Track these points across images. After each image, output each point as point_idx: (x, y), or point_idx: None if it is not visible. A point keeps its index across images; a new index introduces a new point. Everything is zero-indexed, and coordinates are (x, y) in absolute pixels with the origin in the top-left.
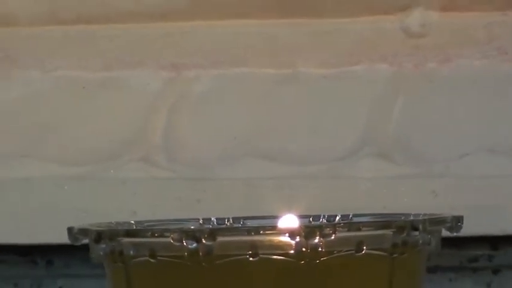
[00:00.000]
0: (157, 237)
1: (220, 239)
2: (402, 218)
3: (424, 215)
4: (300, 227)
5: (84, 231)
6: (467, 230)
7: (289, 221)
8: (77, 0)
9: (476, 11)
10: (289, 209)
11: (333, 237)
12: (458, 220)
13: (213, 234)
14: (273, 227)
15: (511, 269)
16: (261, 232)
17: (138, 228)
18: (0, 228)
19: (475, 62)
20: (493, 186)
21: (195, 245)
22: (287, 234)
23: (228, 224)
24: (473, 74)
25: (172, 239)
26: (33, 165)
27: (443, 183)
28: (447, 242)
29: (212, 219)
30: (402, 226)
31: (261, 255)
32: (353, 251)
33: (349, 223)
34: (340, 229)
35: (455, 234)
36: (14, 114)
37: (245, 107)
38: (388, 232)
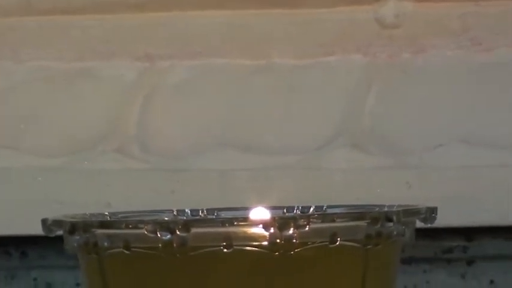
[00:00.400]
0: (131, 228)
1: (194, 230)
2: (376, 209)
3: (398, 206)
4: (274, 218)
5: (58, 223)
6: (442, 221)
7: (263, 212)
8: None
9: (450, 1)
10: (263, 201)
11: (307, 229)
12: (432, 211)
13: (187, 225)
14: (247, 219)
15: (485, 260)
16: (235, 223)
17: (112, 219)
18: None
19: (448, 53)
20: (467, 177)
21: (169, 236)
22: (261, 226)
23: (202, 215)
24: (447, 64)
25: (147, 231)
26: (7, 155)
27: (417, 174)
28: (421, 233)
29: (186, 210)
30: (376, 217)
31: (235, 247)
32: (327, 243)
33: (323, 214)
34: (314, 220)
35: (429, 225)
36: None
37: (219, 97)
38: (362, 223)
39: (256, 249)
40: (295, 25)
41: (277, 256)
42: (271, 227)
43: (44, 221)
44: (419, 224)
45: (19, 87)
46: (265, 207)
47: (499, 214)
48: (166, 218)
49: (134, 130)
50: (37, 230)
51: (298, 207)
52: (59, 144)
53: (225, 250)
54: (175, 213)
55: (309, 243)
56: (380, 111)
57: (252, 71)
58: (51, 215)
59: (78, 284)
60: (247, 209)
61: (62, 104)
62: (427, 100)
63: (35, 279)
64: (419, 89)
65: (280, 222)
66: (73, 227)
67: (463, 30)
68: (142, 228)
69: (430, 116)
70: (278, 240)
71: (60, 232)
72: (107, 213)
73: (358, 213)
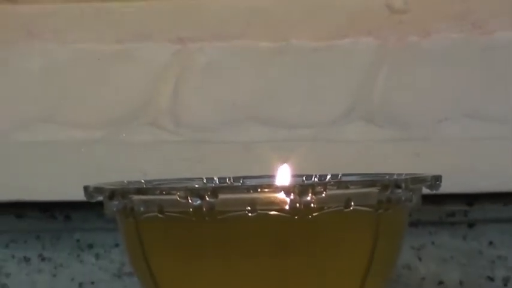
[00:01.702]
0: (165, 194)
1: (221, 196)
2: (386, 177)
3: (407, 174)
4: (294, 185)
5: (98, 190)
6: (445, 188)
7: (284, 179)
8: None
9: None
10: (284, 169)
11: (323, 195)
12: (437, 179)
13: (215, 192)
14: (270, 186)
15: (485, 223)
16: (259, 190)
17: (148, 186)
18: (23, 186)
19: (452, 35)
20: (469, 148)
21: (199, 201)
22: (282, 192)
23: (228, 182)
24: (451, 46)
25: (179, 197)
26: (53, 129)
27: (424, 145)
28: (427, 198)
29: (214, 178)
30: (386, 184)
31: (258, 211)
32: (342, 207)
33: (338, 182)
34: (330, 187)
35: (434, 191)
36: (36, 83)
37: (244, 76)
38: (374, 190)
39: (277, 213)
40: (312, 10)
41: (297, 220)
42: (292, 193)
43: (85, 188)
44: (425, 191)
45: (63, 67)
46: (286, 175)
47: (498, 181)
48: (196, 185)
49: (167, 105)
50: (80, 196)
51: (315, 175)
52: (99, 119)
53: (249, 214)
54: (204, 181)
55: (325, 208)
56: (390, 88)
57: (273, 52)
58: (93, 182)
59: (117, 245)
60: (269, 177)
61: (102, 82)
62: (433, 78)
63: (77, 240)
64: (425, 68)
65: (299, 189)
66: (112, 194)
67: (465, 15)
68: (175, 194)
69: (436, 93)
70: (298, 205)
71: (100, 198)
72: (142, 181)
73: (370, 180)
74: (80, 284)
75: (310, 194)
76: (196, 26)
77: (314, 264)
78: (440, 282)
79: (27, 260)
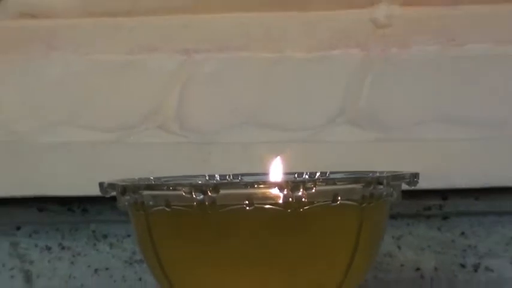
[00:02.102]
0: (171, 190)
1: (222, 191)
2: (370, 175)
3: (388, 172)
4: (287, 182)
5: (112, 186)
6: (422, 184)
7: (278, 177)
8: None
9: (429, 6)
10: (279, 168)
11: (313, 190)
12: (414, 176)
13: (216, 187)
14: (266, 182)
15: (458, 216)
16: (256, 186)
17: (156, 183)
18: (45, 183)
19: (429, 47)
20: (443, 148)
21: (202, 196)
22: (277, 188)
23: (228, 179)
24: (428, 57)
25: (184, 192)
26: (71, 132)
27: (403, 146)
28: (406, 194)
29: (216, 175)
30: (369, 181)
31: (255, 205)
32: (330, 202)
33: (326, 179)
34: (320, 184)
35: (412, 187)
36: (56, 91)
37: (244, 84)
38: (358, 186)
39: (272, 206)
40: (305, 25)
41: (289, 213)
42: (285, 189)
43: (101, 184)
44: (404, 187)
45: (80, 76)
46: (280, 173)
47: (469, 178)
48: (199, 182)
49: (174, 111)
50: (95, 191)
51: (306, 173)
52: (112, 123)
53: (247, 208)
54: (207, 178)
55: (315, 202)
56: (373, 95)
57: (269, 62)
58: (107, 179)
59: (129, 235)
60: (265, 174)
61: (114, 89)
62: (411, 86)
63: (93, 231)
64: (405, 77)
65: (292, 185)
66: (124, 189)
67: (440, 30)
68: (180, 190)
69: (414, 99)
70: (290, 200)
71: (113, 193)
72: (151, 178)
73: (355, 178)
74: (96, 270)
75: (301, 190)
76: (200, 38)
77: (304, 252)
78: (418, 269)
79: (48, 248)
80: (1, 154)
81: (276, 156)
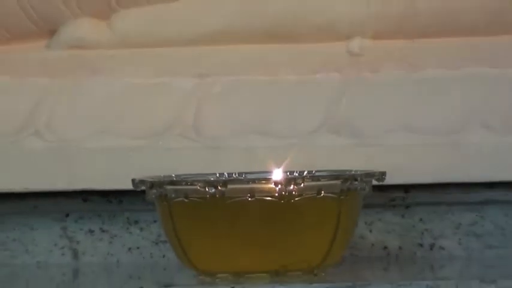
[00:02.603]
0: (189, 185)
1: (229, 186)
2: (347, 173)
3: (361, 171)
4: (281, 178)
5: (142, 181)
6: (389, 180)
7: (274, 174)
8: (139, 32)
9: (393, 39)
10: (275, 167)
11: (302, 185)
12: (382, 174)
13: (225, 183)
14: (264, 179)
15: (417, 205)
16: (256, 182)
17: (177, 179)
18: (89, 179)
19: (394, 72)
20: (405, 151)
21: (213, 190)
22: (273, 183)
23: (234, 176)
24: (393, 79)
25: (199, 187)
26: (110, 138)
27: (374, 149)
28: (375, 188)
29: (224, 173)
30: (347, 178)
31: (256, 197)
32: (315, 194)
33: (312, 176)
34: (307, 180)
35: (380, 183)
36: (98, 106)
37: (246, 100)
38: (338, 182)
39: (269, 198)
40: (294, 54)
41: (283, 203)
42: (279, 184)
43: (133, 180)
44: (374, 182)
45: (117, 94)
46: (276, 171)
47: (426, 176)
48: (211, 179)
49: (191, 122)
50: (129, 185)
51: (296, 171)
52: (143, 131)
53: (249, 199)
54: (217, 175)
55: (303, 194)
56: (349, 110)
57: (266, 83)
58: (138, 176)
59: (155, 221)
60: (264, 172)
61: (144, 105)
62: (380, 102)
63: (127, 217)
64: (375, 95)
65: (285, 181)
66: (152, 184)
67: (403, 57)
68: (196, 185)
69: (382, 113)
70: (283, 193)
71: (143, 187)
72: (173, 175)
73: (335, 175)
74: (129, 249)
75: (292, 185)
76: (211, 65)
77: (295, 234)
78: (385, 247)
79: (91, 231)
80: (55, 156)
81: (273, 158)
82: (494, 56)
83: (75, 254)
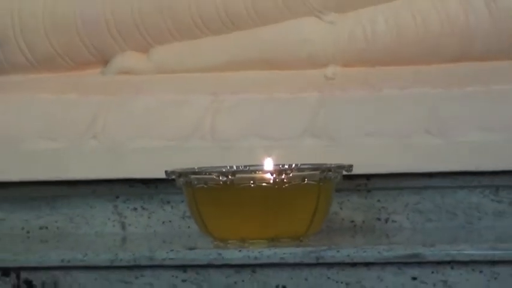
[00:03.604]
0: (207, 175)
1: (237, 175)
2: (324, 166)
3: (335, 164)
4: (275, 170)
5: (173, 172)
6: (355, 171)
7: (270, 167)
8: (169, 62)
9: (359, 67)
10: (270, 161)
11: (291, 175)
12: (350, 166)
13: (234, 173)
14: (262, 170)
15: (376, 190)
16: (257, 172)
17: (199, 170)
18: (134, 170)
19: (358, 91)
20: (367, 150)
21: (225, 178)
22: (269, 173)
23: (241, 168)
24: (358, 97)
25: (215, 176)
26: (149, 140)
27: (344, 149)
28: (345, 177)
29: (234, 166)
30: (324, 170)
31: (257, 184)
32: (300, 182)
33: (298, 168)
34: (295, 171)
35: (349, 173)
36: (140, 116)
37: (248, 112)
38: (317, 173)
39: (266, 184)
40: (285, 78)
41: (276, 188)
42: (274, 173)
43: (166, 171)
44: (344, 173)
45: (154, 107)
46: (270, 163)
47: (383, 167)
48: (223, 170)
49: (208, 128)
50: (162, 175)
51: (286, 164)
52: (172, 135)
53: (252, 185)
54: (228, 167)
55: (291, 182)
56: (326, 120)
57: (263, 100)
58: (169, 168)
59: (182, 201)
60: (262, 165)
61: (173, 115)
62: (349, 115)
63: (161, 199)
64: (345, 109)
65: (278, 171)
66: (180, 174)
67: (366, 80)
68: (212, 174)
69: (350, 122)
70: (277, 181)
71: (173, 176)
72: (196, 167)
73: (315, 168)
74: (163, 222)
75: (283, 175)
76: (223, 86)
77: (285, 211)
78: (352, 221)
79: (135, 209)
80: (108, 153)
81: (269, 155)
82: (434, 79)
83: (123, 226)
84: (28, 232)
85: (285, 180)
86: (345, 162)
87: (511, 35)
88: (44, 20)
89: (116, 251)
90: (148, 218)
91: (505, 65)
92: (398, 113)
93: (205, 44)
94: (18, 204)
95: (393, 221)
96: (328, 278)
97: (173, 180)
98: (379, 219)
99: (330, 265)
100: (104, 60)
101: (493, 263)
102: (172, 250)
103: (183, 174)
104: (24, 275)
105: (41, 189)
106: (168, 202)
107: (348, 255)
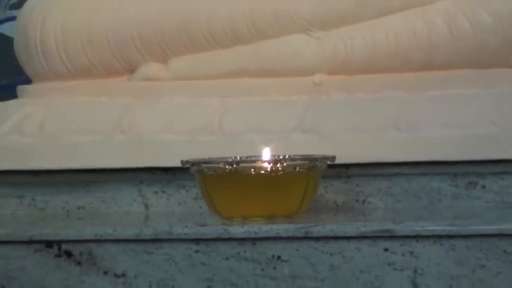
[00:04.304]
0: (216, 164)
1: (241, 165)
2: (312, 157)
3: (321, 156)
4: (271, 160)
5: (187, 162)
6: (337, 161)
7: (267, 157)
8: (185, 71)
9: (339, 75)
10: (267, 153)
11: (284, 164)
12: (333, 157)
13: (238, 163)
14: (261, 160)
15: (354, 176)
16: (257, 162)
17: (208, 160)
18: (156, 160)
19: (339, 95)
20: (347, 143)
21: (231, 167)
22: (267, 163)
23: (244, 158)
24: (339, 100)
25: (222, 165)
26: (168, 135)
27: (328, 143)
28: (329, 166)
29: (238, 156)
30: (312, 160)
31: (256, 171)
32: (292, 169)
33: (291, 158)
34: (288, 161)
35: (332, 163)
36: (160, 115)
37: (250, 112)
38: (306, 162)
39: (264, 172)
40: (280, 84)
41: (273, 175)
42: (271, 163)
43: (181, 161)
44: (328, 162)
45: (171, 108)
46: (267, 154)
47: (360, 158)
48: (229, 160)
49: (217, 125)
50: (178, 164)
51: (281, 155)
52: (188, 129)
53: (253, 172)
54: (233, 158)
55: (285, 170)
56: (313, 118)
57: (262, 102)
58: (184, 158)
59: (195, 186)
60: (261, 156)
61: (189, 114)
62: (332, 114)
63: (178, 184)
64: (328, 110)
65: (274, 161)
66: (193, 163)
67: (344, 87)
68: (220, 164)
69: (333, 121)
70: (273, 169)
71: (188, 165)
72: (207, 157)
73: (304, 158)
74: (179, 203)
75: (278, 164)
76: (229, 91)
77: (280, 193)
78: (335, 202)
79: (156, 192)
80: (134, 146)
81: (266, 147)
82: (402, 85)
83: (146, 206)
84: (68, 211)
85: (279, 169)
86: (329, 153)
87: (466, 50)
88: (82, 37)
89: (140, 226)
90: (167, 199)
91: (461, 73)
92: (373, 113)
93: (214, 56)
94: (60, 189)
95: (369, 202)
96: (316, 249)
97: (187, 168)
98: (357, 200)
99: (317, 238)
100: (130, 69)
101: (451, 236)
102: (186, 226)
103: (195, 163)
104: (64, 246)
105: (78, 176)
106: (184, 186)
107: (332, 230)
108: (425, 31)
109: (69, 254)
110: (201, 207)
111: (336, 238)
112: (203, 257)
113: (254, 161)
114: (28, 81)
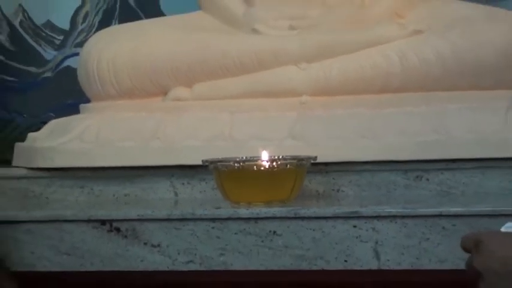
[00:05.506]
0: (228, 162)
1: (246, 163)
2: (299, 157)
3: (306, 156)
4: (269, 159)
5: (206, 161)
6: (318, 160)
7: (265, 157)
8: (204, 94)
9: (320, 96)
10: (265, 154)
11: (279, 163)
12: (315, 157)
13: (244, 162)
14: (261, 160)
15: (333, 172)
16: (258, 161)
17: (222, 160)
18: (183, 159)
19: (320, 112)
20: (326, 147)
21: (238, 165)
22: (265, 161)
23: (248, 158)
24: (320, 115)
25: (232, 163)
26: (191, 141)
27: (312, 147)
28: (313, 164)
29: (243, 157)
30: (299, 159)
31: (258, 168)
32: (285, 167)
33: (284, 158)
34: (281, 160)
35: (315, 161)
36: (185, 126)
37: (253, 124)
38: (295, 161)
39: (263, 168)
40: (275, 103)
41: (269, 171)
42: (268, 162)
43: (202, 160)
44: (312, 161)
45: (193, 122)
46: (266, 155)
47: (336, 157)
48: (237, 159)
49: (228, 134)
50: (200, 163)
51: (275, 156)
52: (204, 137)
53: (255, 169)
54: (240, 158)
55: (279, 167)
56: (301, 129)
57: (262, 116)
58: (204, 158)
59: (212, 179)
60: (260, 157)
61: (204, 126)
62: (314, 126)
63: (200, 178)
64: (312, 123)
65: (270, 160)
66: (211, 162)
67: (325, 105)
68: (230, 162)
69: (315, 131)
70: (270, 166)
71: (207, 164)
72: (220, 157)
73: (294, 158)
74: (200, 192)
75: (274, 163)
76: (237, 108)
77: (275, 184)
78: (317, 191)
79: (183, 184)
80: (166, 150)
81: (264, 150)
82: (367, 104)
83: (176, 194)
84: (117, 198)
85: (275, 166)
86: (312, 154)
87: (414, 78)
88: (128, 68)
89: (171, 209)
90: (192, 189)
91: (411, 95)
92: (345, 125)
93: (227, 82)
94: (111, 181)
95: (342, 191)
96: (302, 226)
97: (207, 166)
98: (333, 190)
99: (303, 218)
100: (163, 92)
101: (403, 217)
102: (206, 209)
103: (212, 162)
104: (114, 224)
105: (124, 172)
106: (204, 179)
107: (314, 212)
108: (383, 63)
109: (118, 230)
110: (216, 195)
111: (317, 218)
112: (218, 232)
113: (256, 161)
114: (87, 100)
